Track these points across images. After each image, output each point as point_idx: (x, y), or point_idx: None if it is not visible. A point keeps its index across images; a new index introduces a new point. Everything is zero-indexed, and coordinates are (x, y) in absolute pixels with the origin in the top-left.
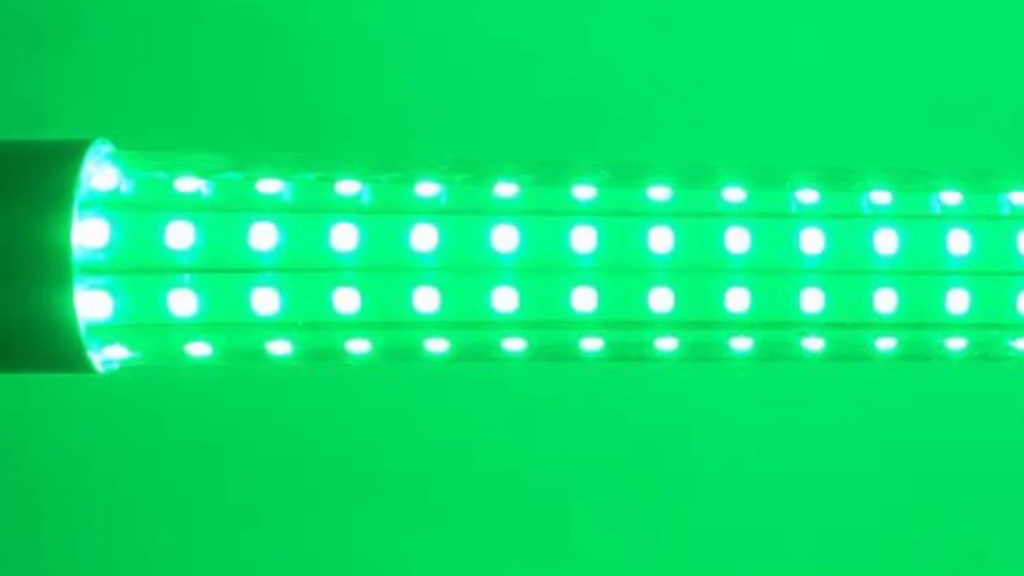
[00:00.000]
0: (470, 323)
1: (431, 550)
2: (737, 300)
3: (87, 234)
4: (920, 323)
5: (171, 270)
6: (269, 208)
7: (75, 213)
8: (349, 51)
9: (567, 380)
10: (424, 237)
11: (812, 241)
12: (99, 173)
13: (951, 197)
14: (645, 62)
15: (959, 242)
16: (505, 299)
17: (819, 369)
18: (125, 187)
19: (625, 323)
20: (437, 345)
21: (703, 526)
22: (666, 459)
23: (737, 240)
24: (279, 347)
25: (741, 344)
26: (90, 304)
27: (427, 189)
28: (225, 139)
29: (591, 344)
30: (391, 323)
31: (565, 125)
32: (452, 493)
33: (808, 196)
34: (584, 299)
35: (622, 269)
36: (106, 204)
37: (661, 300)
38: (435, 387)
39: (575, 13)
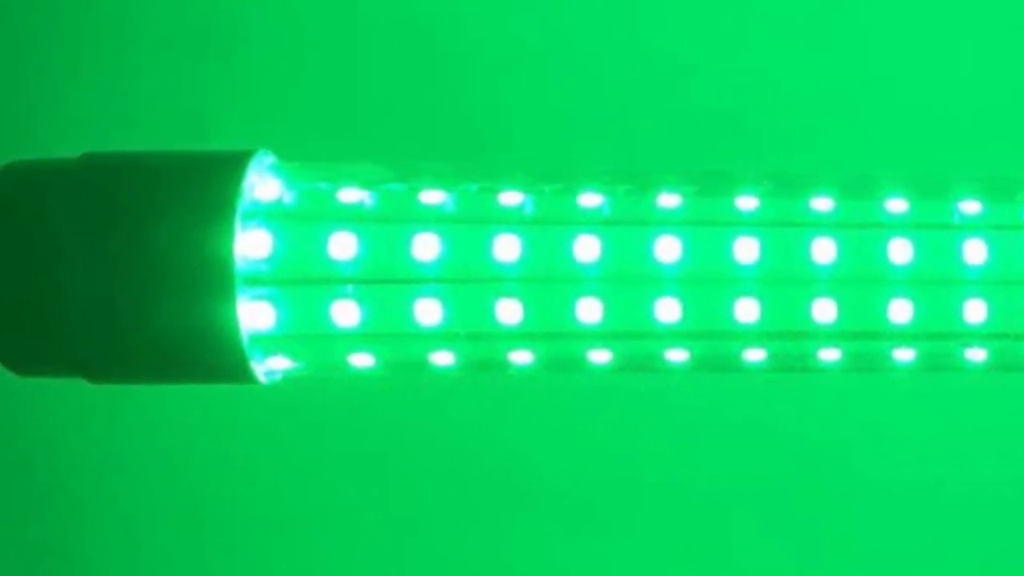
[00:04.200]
0: (633, 334)
1: (593, 562)
2: (900, 311)
3: (250, 245)
4: None
5: (334, 281)
6: (432, 219)
7: (238, 224)
8: (512, 62)
9: (730, 391)
10: (587, 248)
11: (974, 252)
12: (262, 184)
13: None
14: (808, 71)
15: None
16: (668, 310)
17: (982, 380)
18: (288, 198)
19: (787, 334)
20: (600, 356)
21: (866, 538)
22: (829, 471)
23: (900, 251)
24: (441, 358)
25: (904, 355)
26: (253, 315)
27: (590, 200)
28: (388, 150)
29: (754, 355)
30: (554, 334)
31: (728, 135)
32: (614, 505)
33: (970, 207)
34: (747, 310)
35: (785, 280)
36: (269, 215)
37: (824, 311)
38: (598, 398)
39: (737, 22)
